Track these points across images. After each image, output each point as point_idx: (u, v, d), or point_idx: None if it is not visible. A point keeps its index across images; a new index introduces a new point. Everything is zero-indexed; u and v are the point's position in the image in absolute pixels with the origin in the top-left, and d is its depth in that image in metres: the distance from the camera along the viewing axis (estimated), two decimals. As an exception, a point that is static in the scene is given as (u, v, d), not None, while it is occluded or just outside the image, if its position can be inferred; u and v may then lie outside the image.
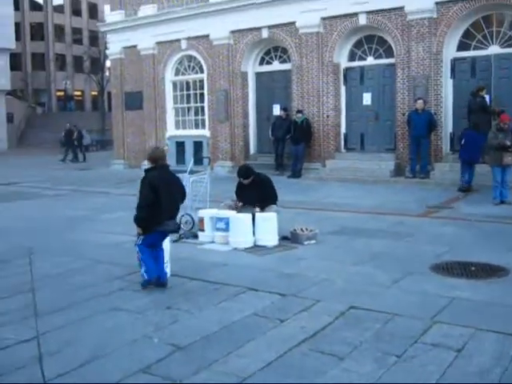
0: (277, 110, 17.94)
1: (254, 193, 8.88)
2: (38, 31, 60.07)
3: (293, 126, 16.88)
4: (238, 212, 8.68)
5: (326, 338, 4.84)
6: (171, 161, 20.16)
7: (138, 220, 6.34)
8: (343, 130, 16.96)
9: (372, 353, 4.53)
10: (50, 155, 32.36)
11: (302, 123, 16.74)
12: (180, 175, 9.93)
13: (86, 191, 15.67)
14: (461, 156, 13.11)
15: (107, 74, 46.93)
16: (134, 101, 21.54)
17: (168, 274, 6.70)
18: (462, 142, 12.98)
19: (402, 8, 15.27)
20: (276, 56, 18.31)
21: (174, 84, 20.73)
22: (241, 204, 8.95)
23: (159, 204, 6.19)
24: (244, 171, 9.21)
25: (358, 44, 16.64)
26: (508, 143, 11.27)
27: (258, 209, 8.76)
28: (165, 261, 6.63)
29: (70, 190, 16.12)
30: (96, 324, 5.32)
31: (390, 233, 9.07)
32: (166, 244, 6.81)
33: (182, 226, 9.38)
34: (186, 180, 9.51)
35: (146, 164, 6.50)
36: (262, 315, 5.41)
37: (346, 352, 4.56)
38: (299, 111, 16.91)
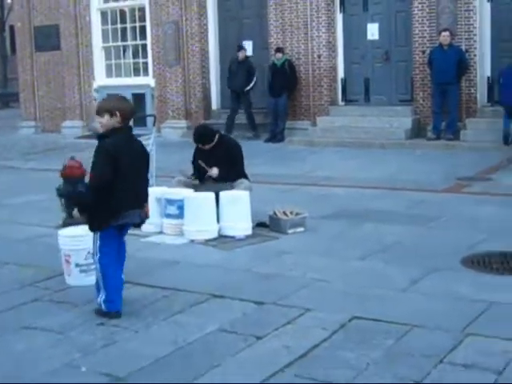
0: (249, 49, 17.87)
1: (218, 160, 8.88)
2: None
3: (270, 71, 16.87)
4: (196, 191, 8.69)
5: (319, 360, 4.89)
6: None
7: (83, 205, 6.09)
8: (341, 74, 17.00)
9: (383, 378, 4.59)
10: None
11: (282, 66, 16.73)
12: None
13: (-17, 166, 15.53)
14: (501, 101, 13.25)
15: (9, 0, 46.22)
16: (47, 38, 21.26)
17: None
18: (501, 81, 13.11)
19: None
20: (246, -29, 18.25)
21: (104, 14, 20.53)
22: (197, 179, 8.96)
23: (122, 185, 5.70)
24: (201, 133, 9.20)
25: (359, -47, 16.65)
26: None
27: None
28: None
29: (-40, 164, 15.96)
30: (2, 348, 5.30)
31: (406, 215, 9.15)
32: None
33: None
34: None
35: (100, 123, 5.85)
36: (231, 331, 5.44)
37: (348, 378, 4.61)
38: (279, 50, 16.86)
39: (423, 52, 15.59)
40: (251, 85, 16.97)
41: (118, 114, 5.79)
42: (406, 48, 16.10)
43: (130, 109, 6.05)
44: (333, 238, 8.19)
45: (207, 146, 9.02)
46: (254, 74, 17.05)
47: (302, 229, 8.48)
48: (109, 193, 5.68)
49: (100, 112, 5.83)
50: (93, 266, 6.62)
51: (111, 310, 5.84)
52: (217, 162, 8.89)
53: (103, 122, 5.83)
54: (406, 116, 15.87)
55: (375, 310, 5.76)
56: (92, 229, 5.89)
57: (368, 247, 7.66)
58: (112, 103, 5.93)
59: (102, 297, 5.87)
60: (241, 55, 17.27)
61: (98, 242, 5.87)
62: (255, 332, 5.39)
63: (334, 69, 16.93)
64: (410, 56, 15.97)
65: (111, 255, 5.92)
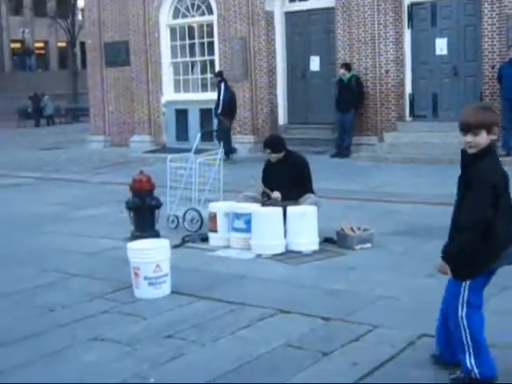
0: (316, 64, 17.90)
1: (284, 178, 8.92)
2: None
3: (337, 86, 16.89)
4: (263, 206, 8.71)
5: (387, 378, 4.83)
6: (169, 135, 20.29)
7: (462, 254, 4.52)
8: (408, 90, 16.90)
9: (452, 398, 4.52)
10: (4, 129, 32.68)
11: (349, 82, 16.74)
12: (180, 156, 10.05)
13: (54, 179, 15.89)
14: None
15: (80, 17, 47.17)
16: (117, 54, 21.69)
17: (167, 292, 6.78)
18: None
19: None
20: (314, -12, 18.30)
21: (173, 30, 20.82)
22: (267, 195, 8.96)
23: (501, 218, 4.48)
24: (273, 139, 9.30)
25: (428, -31, 16.56)
26: None
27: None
28: (165, 272, 6.69)
29: (34, 177, 16.35)
30: (71, 359, 5.37)
31: (476, 232, 9.02)
32: (166, 251, 6.88)
33: (186, 225, 9.47)
34: (191, 162, 9.58)
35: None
36: (298, 347, 5.42)
37: (417, 397, 4.55)
38: (345, 66, 16.87)
39: (492, 67, 15.40)
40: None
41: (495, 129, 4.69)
42: (475, 63, 15.95)
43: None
44: (400, 255, 8.12)
45: (274, 156, 9.05)
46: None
47: (369, 245, 8.43)
48: (489, 229, 4.46)
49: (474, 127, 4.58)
50: (161, 279, 6.73)
51: (488, 376, 4.59)
52: (283, 180, 8.91)
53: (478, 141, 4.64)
54: (475, 132, 15.61)
55: (444, 328, 5.67)
56: (460, 276, 4.63)
57: (436, 264, 7.55)
58: (487, 116, 4.67)
59: (470, 360, 4.59)
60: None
61: (466, 292, 4.60)
62: (322, 348, 5.36)
63: (402, 84, 16.84)
64: (479, 71, 15.81)
65: (480, 309, 4.70)
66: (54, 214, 11.44)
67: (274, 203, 8.75)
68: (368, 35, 16.92)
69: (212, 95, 19.80)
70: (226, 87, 17.40)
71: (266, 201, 8.91)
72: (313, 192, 9.08)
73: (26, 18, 60.21)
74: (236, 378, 4.93)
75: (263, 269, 7.73)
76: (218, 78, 17.62)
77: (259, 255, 8.20)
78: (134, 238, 8.63)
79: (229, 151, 16.65)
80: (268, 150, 9.10)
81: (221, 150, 10.12)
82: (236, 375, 4.98)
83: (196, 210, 9.50)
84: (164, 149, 19.88)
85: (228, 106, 17.18)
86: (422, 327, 5.67)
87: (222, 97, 17.21)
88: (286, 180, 8.91)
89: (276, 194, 8.90)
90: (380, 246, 8.45)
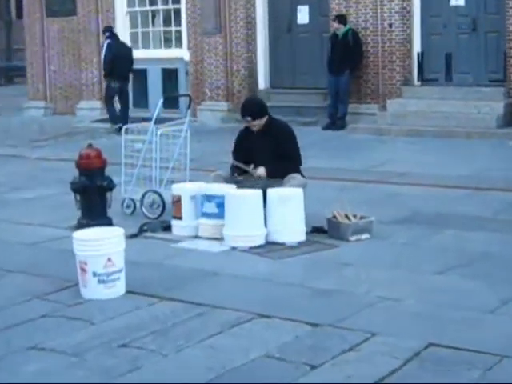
0: (304, 15, 17.87)
1: (265, 151, 8.91)
2: None
3: (330, 43, 16.86)
4: (239, 187, 8.74)
5: (387, 396, 4.90)
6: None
7: None
8: (417, 48, 16.94)
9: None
10: None
11: (344, 38, 16.73)
12: (137, 126, 10.04)
13: (-17, 154, 15.76)
14: None
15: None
16: (61, 1, 21.51)
17: (121, 291, 6.81)
18: None
19: None
20: None
21: (129, -29, 20.70)
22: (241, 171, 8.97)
23: None
24: (252, 104, 9.30)
25: None
26: None
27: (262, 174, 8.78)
28: (118, 267, 6.71)
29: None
30: (5, 372, 5.36)
31: (495, 221, 9.13)
32: (119, 241, 6.89)
33: (144, 210, 9.47)
34: (151, 134, 9.56)
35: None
36: (280, 358, 5.44)
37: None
38: (340, 18, 16.85)
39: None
40: None
41: None
42: (498, 16, 16.00)
43: None
44: (404, 248, 8.17)
45: (256, 122, 9.03)
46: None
47: (367, 235, 8.47)
48: None
49: None
50: (114, 276, 6.74)
51: None
52: (264, 154, 8.90)
53: None
54: (497, 99, 15.75)
55: (456, 335, 5.72)
56: None
57: (447, 259, 7.63)
58: None
59: None
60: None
61: None
62: (309, 360, 5.39)
63: (409, 41, 16.87)
64: (503, 26, 15.84)
65: None
66: (-17, 197, 11.42)
67: (254, 183, 8.75)
68: (368, -20, 16.94)
69: (177, 52, 19.78)
70: (109, 45, 18.43)
71: (237, 177, 8.89)
72: (299, 170, 9.10)
73: None
74: (205, 396, 4.98)
75: (239, 264, 7.74)
76: (106, 34, 18.80)
77: (234, 248, 8.21)
78: (80, 226, 8.63)
79: (113, 118, 18.49)
80: (248, 118, 9.06)
81: (187, 119, 10.09)
82: (205, 391, 5.03)
83: (157, 193, 9.49)
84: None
85: (111, 66, 18.21)
86: (429, 335, 5.72)
87: (103, 56, 18.68)
88: (268, 153, 8.90)
89: (261, 171, 8.89)
90: (380, 236, 8.48)
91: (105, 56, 18.44)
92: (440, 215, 9.41)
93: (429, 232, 8.70)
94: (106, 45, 18.51)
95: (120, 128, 16.37)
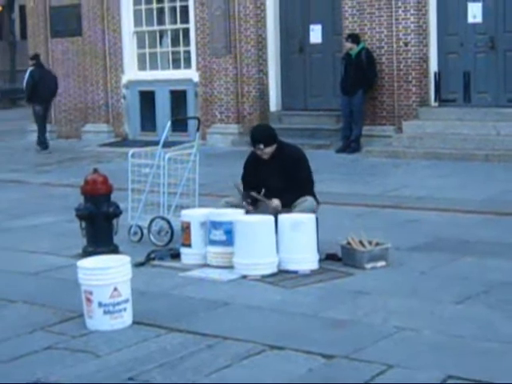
0: (317, 34, 17.91)
1: (276, 178, 8.90)
2: None
3: (343, 63, 16.88)
4: (248, 213, 8.71)
5: (405, 432, 4.84)
6: (131, 125, 20.27)
7: None
8: (433, 67, 16.94)
9: None
10: None
11: (358, 57, 16.73)
12: (144, 151, 10.04)
13: (-14, 179, 15.79)
14: None
15: (19, -26, 47.13)
16: (66, 21, 21.61)
17: (128, 322, 6.78)
18: None
19: None
20: None
21: (136, -9, 20.80)
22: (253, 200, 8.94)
23: None
24: (262, 132, 9.26)
25: None
26: None
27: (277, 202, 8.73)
28: (125, 297, 6.67)
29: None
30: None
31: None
32: (126, 270, 6.85)
33: (152, 238, 9.45)
34: (159, 158, 9.56)
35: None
36: (294, 392, 5.42)
37: None
38: (353, 37, 16.87)
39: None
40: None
41: None
42: (518, 34, 16.00)
43: None
44: (422, 276, 8.12)
45: (268, 149, 9.00)
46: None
47: (383, 263, 8.42)
48: None
49: None
50: (120, 307, 6.71)
51: None
52: (274, 181, 8.88)
53: None
54: (519, 121, 15.72)
55: (476, 367, 5.67)
56: None
57: (467, 287, 7.58)
58: None
59: None
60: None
61: None
62: (324, 393, 5.36)
63: (425, 60, 16.89)
64: (523, 44, 15.85)
65: None
66: (-15, 224, 11.43)
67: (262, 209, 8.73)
68: (382, -2, 16.99)
69: (186, 73, 19.82)
70: (31, 72, 19.90)
71: (251, 209, 8.86)
72: (313, 193, 9.08)
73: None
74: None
75: (250, 293, 7.71)
76: (33, 62, 20.33)
77: (245, 276, 8.18)
78: (86, 254, 8.61)
79: (41, 141, 19.87)
80: (261, 146, 9.03)
81: (196, 143, 10.07)
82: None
83: (164, 219, 9.48)
84: (125, 141, 19.87)
85: (32, 92, 19.78)
86: (448, 367, 5.68)
87: (24, 82, 20.15)
88: (279, 180, 8.88)
89: (276, 202, 8.83)
90: (396, 264, 8.44)
91: (26, 82, 19.99)
92: (458, 241, 9.37)
93: (447, 259, 8.66)
94: (28, 72, 20.10)
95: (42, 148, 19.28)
